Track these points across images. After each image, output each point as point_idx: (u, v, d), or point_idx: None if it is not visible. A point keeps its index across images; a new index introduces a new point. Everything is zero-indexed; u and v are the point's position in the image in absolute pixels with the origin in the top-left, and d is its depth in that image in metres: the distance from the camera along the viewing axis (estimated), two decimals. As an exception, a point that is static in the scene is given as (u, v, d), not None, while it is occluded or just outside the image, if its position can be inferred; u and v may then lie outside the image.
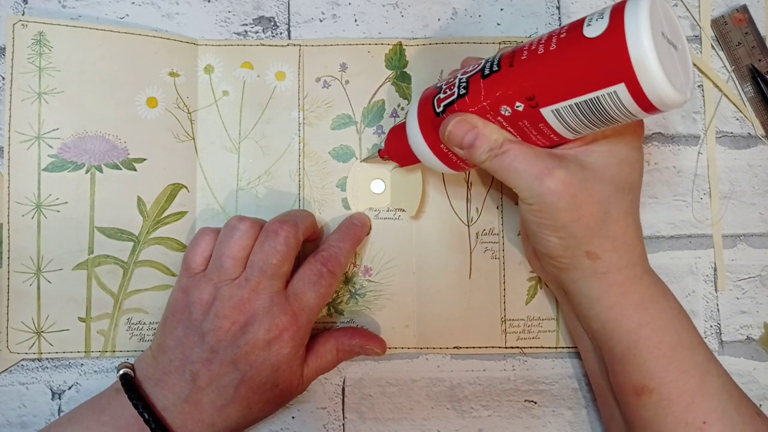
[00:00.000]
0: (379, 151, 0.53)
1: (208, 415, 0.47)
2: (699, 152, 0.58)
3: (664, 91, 0.34)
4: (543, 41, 0.39)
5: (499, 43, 0.57)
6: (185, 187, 0.56)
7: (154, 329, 0.55)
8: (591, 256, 0.44)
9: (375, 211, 0.57)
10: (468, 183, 0.57)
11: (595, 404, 0.56)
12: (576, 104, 0.38)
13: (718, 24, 0.59)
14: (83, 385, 0.56)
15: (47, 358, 0.56)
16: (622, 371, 0.45)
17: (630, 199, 0.44)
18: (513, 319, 0.56)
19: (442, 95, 0.45)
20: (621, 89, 0.35)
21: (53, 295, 0.54)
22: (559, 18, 0.59)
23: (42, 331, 0.54)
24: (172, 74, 0.56)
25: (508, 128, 0.42)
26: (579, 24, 0.37)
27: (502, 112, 0.41)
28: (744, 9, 0.58)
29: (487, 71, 0.42)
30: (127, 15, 0.58)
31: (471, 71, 0.43)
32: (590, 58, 0.36)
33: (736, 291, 0.58)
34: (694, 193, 0.58)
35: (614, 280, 0.44)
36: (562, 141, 0.42)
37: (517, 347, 0.56)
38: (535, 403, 0.56)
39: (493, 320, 0.56)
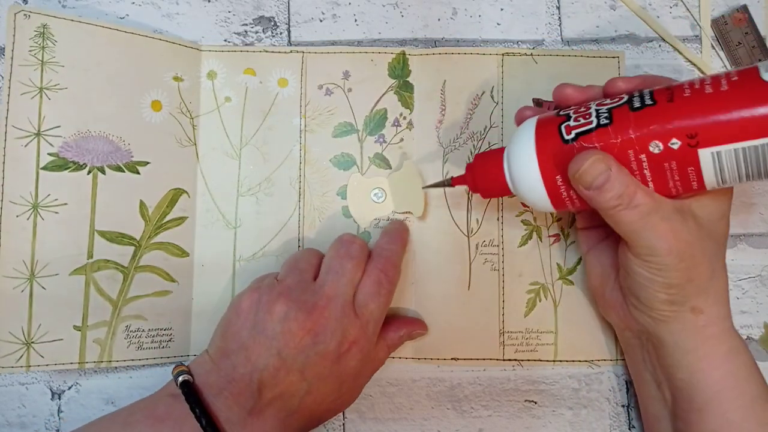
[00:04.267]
0: (454, 178, 0.51)
1: (270, 427, 0.46)
2: (699, 152, 0.58)
3: None
4: (709, 82, 0.38)
5: (502, 55, 0.57)
6: (186, 192, 0.56)
7: (153, 337, 0.54)
8: (695, 311, 0.44)
9: (376, 220, 0.57)
10: (469, 194, 0.57)
11: (593, 405, 0.56)
12: (744, 148, 0.37)
13: (718, 24, 0.58)
14: (83, 385, 0.56)
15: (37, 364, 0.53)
16: (699, 420, 0.45)
17: (724, 253, 0.45)
18: (511, 332, 0.56)
19: (572, 123, 0.43)
20: None
21: (47, 302, 0.51)
22: (559, 18, 0.59)
23: (32, 342, 0.51)
24: (176, 78, 0.56)
25: (645, 170, 0.41)
26: (752, 69, 0.37)
27: (651, 149, 0.39)
28: (744, 9, 0.58)
29: (637, 104, 0.40)
30: (128, 15, 0.58)
31: (609, 103, 0.42)
32: None
33: (736, 291, 0.58)
34: (695, 194, 0.58)
35: (710, 333, 0.45)
36: (698, 191, 0.41)
37: (515, 359, 0.56)
38: (535, 403, 0.56)
39: (491, 332, 0.56)
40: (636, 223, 0.41)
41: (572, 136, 0.42)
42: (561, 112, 0.45)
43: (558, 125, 0.43)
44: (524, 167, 0.44)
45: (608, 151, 0.41)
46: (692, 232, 0.42)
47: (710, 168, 0.38)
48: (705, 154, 0.38)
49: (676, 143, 0.38)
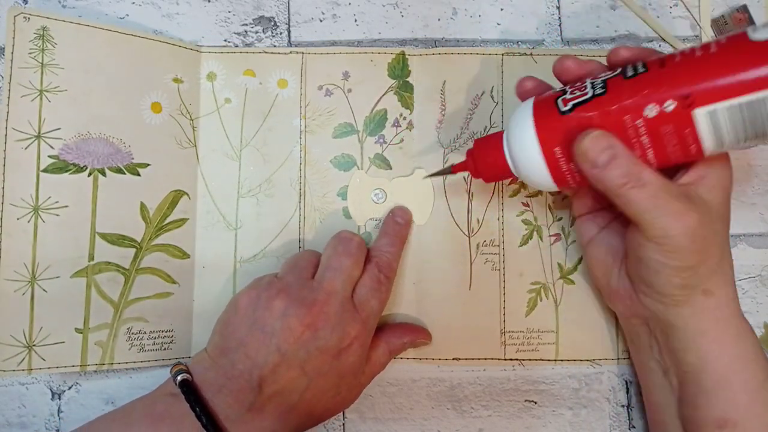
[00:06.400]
0: (455, 166, 0.51)
1: (270, 422, 0.46)
2: (699, 152, 0.58)
3: None
4: (698, 48, 0.39)
5: (502, 55, 0.57)
6: (186, 194, 0.56)
7: (155, 339, 0.54)
8: (706, 293, 0.44)
9: (375, 221, 0.57)
10: (469, 194, 0.57)
11: (593, 405, 0.56)
12: (738, 105, 0.37)
13: (718, 24, 0.58)
14: (83, 385, 0.56)
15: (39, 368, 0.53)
16: (707, 403, 0.45)
17: (728, 234, 0.45)
18: (512, 331, 0.56)
19: (569, 96, 0.43)
20: None
21: (48, 305, 0.51)
22: (559, 18, 0.59)
23: (34, 345, 0.51)
24: (176, 80, 0.56)
25: (643, 137, 0.41)
26: (741, 33, 0.37)
27: (646, 113, 0.40)
28: (744, 9, 0.58)
29: (630, 73, 0.41)
30: (128, 15, 0.58)
31: (604, 75, 0.43)
32: (760, 57, 0.36)
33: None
34: (695, 193, 0.58)
35: (720, 315, 0.45)
36: (693, 158, 0.41)
37: (516, 359, 0.56)
38: (535, 403, 0.56)
39: (492, 332, 0.56)
40: (646, 201, 0.41)
41: (569, 107, 0.43)
42: (558, 89, 0.45)
43: (555, 99, 0.44)
44: (523, 143, 0.44)
45: (605, 118, 0.41)
46: (702, 212, 0.41)
47: (707, 128, 0.39)
48: (700, 114, 0.38)
49: (670, 105, 0.39)
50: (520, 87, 0.50)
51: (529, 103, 0.45)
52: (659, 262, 0.43)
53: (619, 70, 0.42)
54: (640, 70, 0.41)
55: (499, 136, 0.47)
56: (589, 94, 0.42)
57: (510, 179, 0.48)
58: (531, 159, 0.44)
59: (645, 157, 0.41)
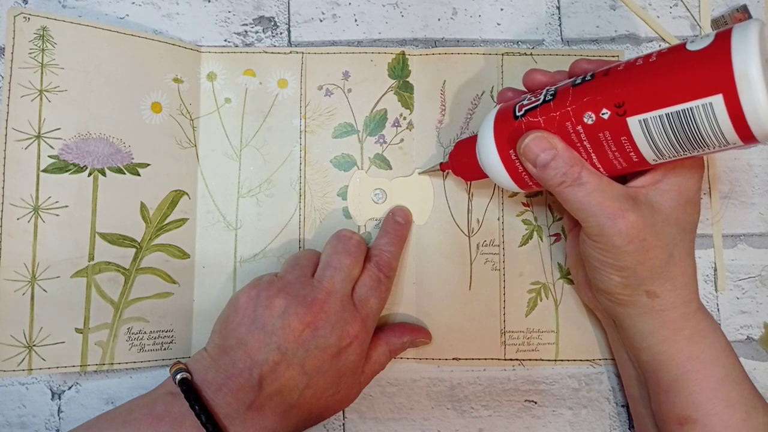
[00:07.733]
0: (441, 164, 0.53)
1: (270, 421, 0.46)
2: (699, 152, 0.58)
3: (765, 111, 0.33)
4: (643, 56, 0.39)
5: (502, 55, 0.57)
6: (186, 194, 0.56)
7: (155, 339, 0.54)
8: (650, 294, 0.44)
9: (375, 221, 0.57)
10: (469, 194, 0.57)
11: (593, 405, 0.56)
12: (667, 115, 0.37)
13: (718, 24, 0.58)
14: (83, 385, 0.56)
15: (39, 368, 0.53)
16: (667, 401, 0.46)
17: (690, 239, 0.45)
18: (512, 331, 0.56)
19: (525, 102, 0.44)
20: (717, 101, 0.35)
21: (48, 305, 0.51)
22: (559, 18, 0.59)
23: (34, 345, 0.51)
24: (176, 80, 0.56)
25: (585, 143, 0.41)
26: (681, 44, 0.37)
27: (585, 120, 0.40)
28: (744, 9, 0.58)
29: (579, 81, 0.42)
30: (128, 15, 0.58)
31: (561, 84, 0.43)
32: (690, 68, 0.36)
33: (736, 291, 0.58)
34: (694, 193, 0.58)
35: (669, 317, 0.45)
36: (639, 165, 0.41)
37: (517, 359, 0.56)
38: (535, 403, 0.56)
39: (492, 332, 0.56)
40: (582, 200, 0.42)
41: (522, 112, 0.44)
42: (522, 97, 0.46)
43: (514, 105, 0.45)
44: (486, 146, 0.47)
45: (549, 124, 0.43)
46: (645, 217, 0.42)
47: (641, 137, 0.39)
48: (633, 122, 0.39)
49: (606, 113, 0.39)
50: (501, 96, 0.51)
51: (496, 108, 0.47)
52: (598, 259, 0.44)
53: (571, 79, 0.43)
54: (587, 78, 0.42)
55: (474, 139, 0.49)
56: (540, 101, 0.43)
57: (484, 178, 0.50)
58: (492, 161, 0.47)
59: (591, 161, 0.42)
